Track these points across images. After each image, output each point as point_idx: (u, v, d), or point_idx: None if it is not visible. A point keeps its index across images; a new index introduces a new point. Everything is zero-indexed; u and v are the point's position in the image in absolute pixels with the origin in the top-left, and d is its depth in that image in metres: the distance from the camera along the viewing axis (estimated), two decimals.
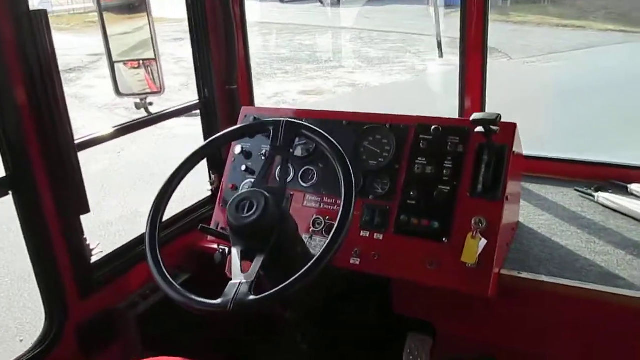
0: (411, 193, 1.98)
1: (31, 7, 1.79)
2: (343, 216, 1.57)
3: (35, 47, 1.77)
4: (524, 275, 1.90)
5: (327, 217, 2.07)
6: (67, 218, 1.97)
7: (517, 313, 2.00)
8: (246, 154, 2.28)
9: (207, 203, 2.63)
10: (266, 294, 1.47)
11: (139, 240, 2.30)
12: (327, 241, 1.53)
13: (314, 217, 2.09)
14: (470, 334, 2.08)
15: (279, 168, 1.81)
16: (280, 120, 1.74)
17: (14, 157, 1.82)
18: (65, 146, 1.89)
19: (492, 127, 1.83)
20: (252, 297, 1.46)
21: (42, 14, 1.80)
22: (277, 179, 1.80)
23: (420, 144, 2.03)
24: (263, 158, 2.24)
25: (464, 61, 2.65)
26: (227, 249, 2.20)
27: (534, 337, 1.98)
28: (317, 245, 2.04)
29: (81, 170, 1.97)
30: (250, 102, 2.75)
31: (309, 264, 1.49)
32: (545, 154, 2.70)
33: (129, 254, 2.25)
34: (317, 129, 1.69)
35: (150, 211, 1.73)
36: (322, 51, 15.77)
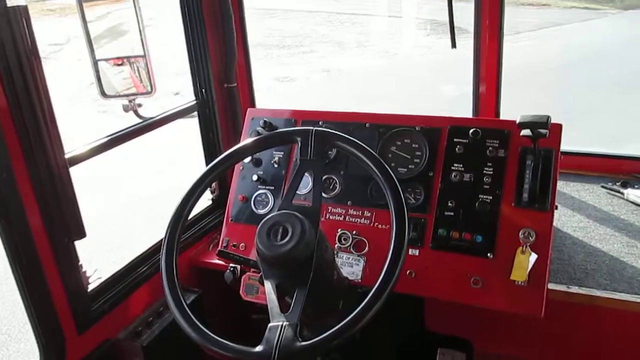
0: (449, 204, 1.80)
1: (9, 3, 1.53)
2: (398, 243, 1.35)
3: (15, 48, 1.51)
4: (574, 289, 1.75)
5: (355, 232, 1.87)
6: (61, 244, 1.72)
7: (568, 330, 1.84)
8: (256, 162, 2.06)
9: (208, 213, 2.40)
10: (320, 338, 1.24)
11: (138, 261, 2.07)
12: (384, 270, 1.32)
13: (340, 232, 1.89)
14: (514, 352, 1.92)
15: (309, 184, 1.59)
16: (310, 130, 1.51)
17: None
18: (54, 162, 1.64)
19: (540, 130, 1.65)
20: (300, 343, 1.24)
21: (22, 10, 1.54)
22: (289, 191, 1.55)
23: (456, 149, 1.84)
24: (276, 166, 2.04)
25: (478, 51, 2.47)
26: (238, 268, 2.00)
27: (590, 355, 1.83)
28: (344, 263, 1.84)
29: (74, 188, 1.72)
30: (251, 102, 2.51)
31: (370, 296, 1.28)
32: (567, 148, 2.56)
33: (128, 277, 2.02)
34: (354, 139, 1.47)
35: (164, 243, 1.47)
36: (292, 36, 15.42)
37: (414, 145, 1.90)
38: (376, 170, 1.42)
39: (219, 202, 2.42)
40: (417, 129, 1.90)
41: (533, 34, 13.50)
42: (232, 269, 2.00)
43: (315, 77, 11.36)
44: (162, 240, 2.15)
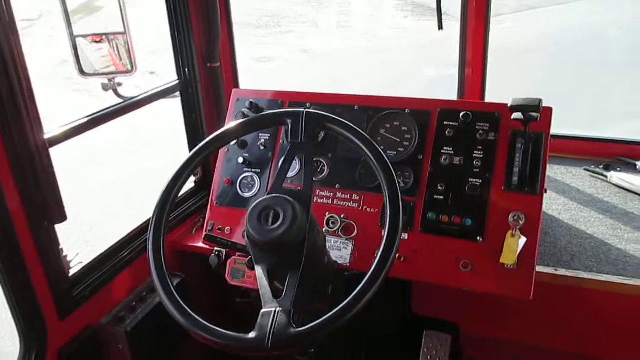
0: (438, 187, 1.78)
1: None
2: (392, 228, 1.33)
3: None
4: (562, 272, 1.76)
5: (343, 215, 1.85)
6: (41, 228, 1.66)
7: (555, 312, 1.86)
8: (242, 144, 2.01)
9: (191, 196, 2.35)
10: (314, 324, 1.22)
11: (120, 246, 2.03)
12: (379, 255, 1.30)
13: (328, 215, 1.86)
14: (501, 335, 1.93)
15: (296, 166, 1.55)
16: (301, 111, 1.47)
17: None
18: (34, 142, 1.58)
19: (532, 114, 1.64)
20: (295, 329, 1.22)
21: None
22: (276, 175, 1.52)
23: (446, 132, 1.82)
24: (262, 148, 2.00)
25: (465, 33, 2.45)
26: (223, 252, 1.97)
27: (578, 337, 1.86)
28: (332, 247, 1.82)
29: (54, 170, 1.66)
30: (235, 82, 2.45)
31: (364, 282, 1.26)
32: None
33: (110, 261, 1.97)
34: (347, 122, 1.44)
35: (151, 228, 1.42)
36: (270, 15, 15.21)
37: (403, 128, 1.88)
38: (370, 154, 1.39)
39: (202, 185, 2.38)
40: (406, 111, 1.88)
41: (509, 17, 13.56)
42: (217, 252, 1.97)
43: (294, 57, 11.24)
44: (143, 224, 2.13)
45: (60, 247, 1.76)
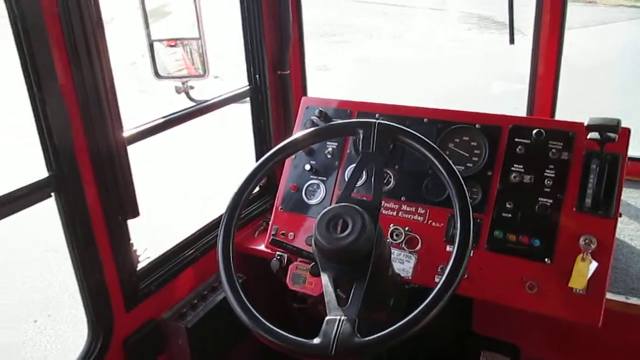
0: (507, 205, 1.75)
1: None
2: (462, 245, 1.31)
3: (81, 19, 1.51)
4: (633, 301, 1.69)
5: (407, 228, 1.84)
6: (115, 222, 1.73)
7: (623, 341, 1.79)
8: (309, 151, 2.04)
9: (255, 200, 2.40)
10: (379, 335, 1.22)
11: (185, 244, 2.09)
12: (447, 270, 1.29)
13: (392, 227, 1.86)
14: None
15: (364, 176, 1.55)
16: (373, 122, 1.48)
17: (57, 154, 1.57)
18: (114, 139, 1.65)
19: (609, 134, 1.59)
20: (359, 339, 1.22)
21: None
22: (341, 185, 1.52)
23: (517, 149, 1.78)
24: (329, 157, 2.02)
25: (537, 48, 2.40)
26: (285, 257, 1.99)
27: None
28: (395, 259, 1.82)
29: (130, 167, 1.73)
30: (304, 90, 2.49)
31: (432, 297, 1.25)
32: None
33: (175, 259, 2.03)
34: (419, 135, 1.44)
35: (221, 230, 1.46)
36: (328, 24, 15.33)
37: (472, 143, 1.86)
38: (441, 168, 1.38)
39: (266, 189, 2.42)
40: (476, 126, 1.86)
41: (576, 32, 13.16)
42: (279, 257, 1.99)
43: (351, 66, 11.28)
44: (208, 225, 2.18)
45: (131, 241, 1.83)
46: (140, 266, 1.89)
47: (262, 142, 2.36)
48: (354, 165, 1.92)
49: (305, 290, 1.90)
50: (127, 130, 1.75)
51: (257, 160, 2.36)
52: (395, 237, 1.85)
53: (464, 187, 1.35)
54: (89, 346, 1.76)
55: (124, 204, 1.72)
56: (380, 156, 1.46)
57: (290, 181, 2.05)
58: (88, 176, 1.64)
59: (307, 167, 2.02)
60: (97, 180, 1.66)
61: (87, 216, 1.66)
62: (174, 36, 2.24)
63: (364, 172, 1.85)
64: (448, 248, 1.78)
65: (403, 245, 1.83)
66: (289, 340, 1.27)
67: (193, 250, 2.08)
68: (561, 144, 1.74)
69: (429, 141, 1.42)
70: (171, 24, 2.30)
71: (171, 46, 2.25)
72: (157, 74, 2.14)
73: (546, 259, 1.67)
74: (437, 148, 1.41)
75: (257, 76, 2.31)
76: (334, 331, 1.23)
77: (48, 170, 1.58)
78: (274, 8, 2.27)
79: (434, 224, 1.83)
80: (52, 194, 1.59)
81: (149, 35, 2.08)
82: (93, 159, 1.64)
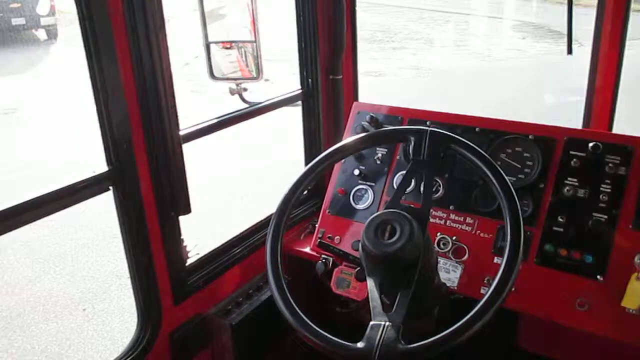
0: (559, 219, 1.71)
1: None
2: (511, 258, 1.30)
3: (145, 21, 1.57)
4: None
5: (455, 238, 1.83)
6: (167, 218, 1.79)
7: None
8: (358, 156, 2.05)
9: (302, 202, 2.42)
10: (423, 344, 1.22)
11: (233, 242, 2.13)
12: (495, 282, 1.27)
13: (439, 236, 1.85)
14: None
15: (412, 183, 1.55)
16: (425, 130, 1.48)
17: (116, 149, 1.64)
18: (170, 138, 1.70)
19: None
20: (403, 346, 1.22)
21: None
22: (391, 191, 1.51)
23: (572, 162, 1.75)
24: (379, 162, 2.02)
25: (596, 59, 2.33)
26: (330, 260, 2.00)
27: None
28: (440, 268, 1.80)
29: (185, 165, 1.78)
30: (355, 95, 2.50)
31: (478, 308, 1.24)
32: None
33: (222, 257, 2.07)
34: (472, 144, 1.43)
35: (270, 228, 1.49)
36: (383, 30, 15.31)
37: (525, 155, 1.83)
38: (493, 179, 1.37)
39: (313, 193, 2.44)
40: (530, 137, 1.83)
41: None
42: (324, 260, 2.01)
43: (404, 73, 11.22)
44: (255, 225, 2.22)
45: (182, 237, 1.88)
46: (189, 262, 1.94)
47: (311, 146, 2.38)
48: (403, 172, 1.93)
49: (349, 295, 1.91)
50: (183, 129, 1.80)
51: (306, 162, 2.41)
52: (442, 246, 1.84)
53: (516, 198, 1.33)
54: (137, 336, 1.82)
55: (176, 200, 1.77)
56: (430, 164, 1.46)
57: (338, 185, 2.07)
58: (144, 172, 1.70)
59: (356, 172, 2.03)
60: (153, 176, 1.72)
61: (141, 210, 1.72)
62: (228, 38, 2.28)
63: (412, 180, 1.85)
64: (496, 260, 1.75)
65: (449, 254, 1.82)
66: (332, 342, 1.29)
67: (240, 249, 2.12)
68: (619, 158, 1.69)
69: (481, 151, 1.41)
70: (225, 27, 2.35)
71: (226, 48, 2.29)
72: (212, 75, 2.19)
73: (598, 276, 1.62)
74: (490, 158, 1.40)
75: (310, 80, 2.34)
76: (378, 337, 1.24)
77: (107, 165, 1.65)
78: (329, 14, 2.29)
79: (482, 234, 1.81)
80: (110, 187, 1.66)
81: (206, 36, 2.12)
82: (149, 155, 1.70)
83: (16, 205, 1.45)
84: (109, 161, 1.65)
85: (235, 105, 2.21)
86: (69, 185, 1.55)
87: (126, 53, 1.58)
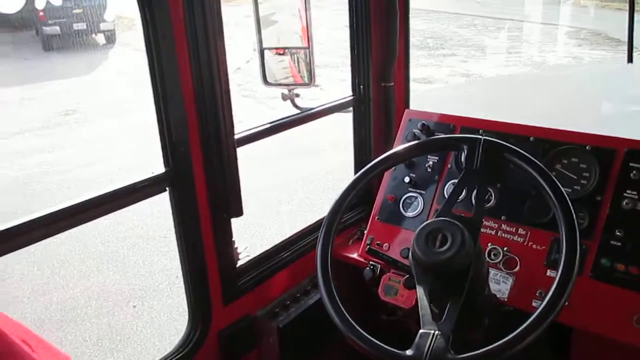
0: (616, 232, 1.66)
1: None
2: (566, 272, 1.27)
3: (205, 27, 1.61)
4: None
5: (506, 248, 1.80)
6: (220, 220, 1.83)
7: None
8: (409, 164, 2.04)
9: (350, 208, 2.42)
10: (472, 355, 1.21)
11: (282, 246, 2.15)
12: (549, 296, 1.25)
13: (490, 246, 1.82)
14: None
15: (463, 192, 1.53)
16: (478, 138, 1.46)
17: (173, 152, 1.69)
18: (225, 141, 1.74)
19: None
20: (453, 356, 1.22)
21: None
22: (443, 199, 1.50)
23: (631, 174, 1.69)
24: (429, 170, 2.01)
25: None
26: (378, 267, 2.00)
27: None
28: (490, 279, 1.77)
29: (238, 168, 1.82)
30: (406, 103, 2.49)
31: (530, 321, 1.22)
32: None
33: (271, 260, 2.10)
34: (528, 155, 1.40)
35: (321, 233, 1.51)
36: (433, 37, 15.18)
37: (581, 165, 1.78)
38: (549, 191, 1.34)
39: (361, 199, 2.44)
40: (587, 148, 1.78)
41: None
42: (372, 267, 2.00)
43: (454, 80, 11.09)
44: (303, 229, 2.24)
45: (233, 239, 1.92)
46: (239, 263, 1.97)
47: (362, 152, 2.39)
48: (454, 180, 1.91)
49: (396, 302, 1.90)
50: (238, 133, 1.84)
51: (355, 169, 2.42)
52: (492, 256, 1.81)
53: (572, 211, 1.30)
54: (187, 334, 1.87)
55: (229, 202, 1.81)
56: (483, 173, 1.45)
57: (388, 192, 2.06)
58: (199, 174, 1.74)
59: (407, 179, 2.02)
60: (207, 178, 1.76)
61: (196, 211, 1.76)
62: (279, 44, 2.31)
63: (464, 189, 1.83)
64: (549, 273, 1.71)
65: (500, 265, 1.79)
66: (381, 349, 1.29)
67: (289, 253, 2.14)
68: None
69: (536, 161, 1.39)
70: (275, 33, 2.38)
71: (279, 54, 2.33)
72: (265, 81, 2.22)
73: None
74: (545, 168, 1.38)
75: (362, 87, 2.34)
76: (428, 345, 1.24)
77: (165, 166, 1.71)
78: (382, 22, 2.30)
79: (534, 246, 1.77)
80: (167, 188, 1.72)
81: (260, 42, 2.16)
82: (205, 158, 1.74)
83: (81, 202, 1.52)
84: (166, 163, 1.71)
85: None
86: (129, 185, 1.62)
87: (186, 57, 1.63)
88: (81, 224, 1.55)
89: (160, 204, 1.87)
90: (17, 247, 1.41)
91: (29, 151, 8.06)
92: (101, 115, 9.65)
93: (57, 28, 14.99)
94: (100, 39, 15.63)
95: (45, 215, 1.46)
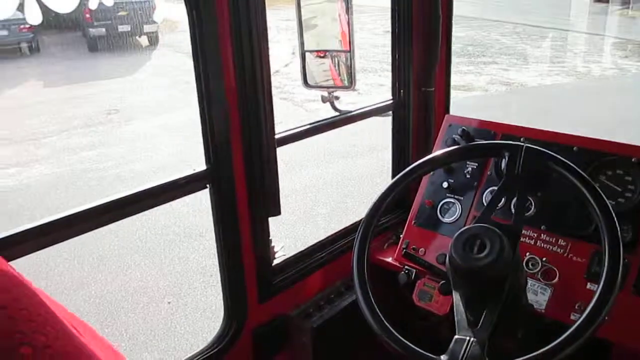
0: None
1: None
2: (608, 286, 1.24)
3: (249, 29, 1.64)
4: None
5: (545, 259, 1.76)
6: (258, 218, 1.85)
7: None
8: (448, 169, 2.03)
9: (386, 212, 2.41)
10: None
11: (317, 246, 2.17)
12: (588, 310, 1.23)
13: (528, 255, 1.79)
14: None
15: (502, 199, 1.51)
16: (520, 145, 1.45)
17: (215, 150, 1.72)
18: (266, 141, 1.77)
19: None
20: None
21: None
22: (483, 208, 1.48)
23: None
24: (468, 177, 1.99)
25: None
26: (413, 271, 1.99)
27: None
28: (528, 289, 1.74)
29: (277, 168, 1.85)
30: (446, 108, 2.48)
31: (568, 334, 1.20)
32: None
33: (307, 260, 2.11)
34: (571, 164, 1.38)
35: (358, 234, 1.51)
36: (474, 44, 15.01)
37: (626, 178, 1.74)
38: (593, 202, 1.31)
39: (398, 203, 2.43)
40: (633, 160, 1.74)
41: None
42: (407, 271, 1.99)
43: (494, 89, 10.95)
44: (339, 231, 2.25)
45: (270, 238, 1.94)
46: (275, 262, 1.99)
47: (400, 156, 2.39)
48: (493, 187, 1.89)
49: (431, 308, 1.89)
50: (278, 134, 1.87)
51: (393, 172, 2.42)
52: (530, 266, 1.78)
53: (616, 223, 1.28)
54: (222, 330, 1.90)
55: (268, 202, 1.83)
56: (524, 181, 1.43)
57: (426, 197, 2.05)
58: (239, 172, 1.77)
59: (445, 184, 2.01)
60: (247, 177, 1.79)
61: (235, 209, 1.79)
62: (318, 48, 2.33)
63: (504, 196, 1.81)
64: (589, 286, 1.68)
65: (539, 275, 1.75)
66: (416, 353, 1.29)
67: (325, 254, 2.15)
68: None
69: (580, 171, 1.37)
70: (315, 37, 2.40)
71: (320, 57, 2.35)
72: (306, 83, 2.24)
73: None
74: (589, 178, 1.35)
75: (402, 91, 2.34)
76: (463, 351, 1.23)
77: (206, 164, 1.74)
78: (424, 27, 2.29)
79: (575, 258, 1.74)
80: (208, 185, 1.75)
81: (302, 44, 2.18)
82: (245, 157, 1.77)
83: (125, 197, 1.56)
84: (207, 160, 1.74)
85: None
86: (172, 181, 1.66)
87: (229, 58, 1.67)
88: (125, 217, 1.59)
89: (198, 204, 1.91)
90: (62, 239, 1.46)
91: (72, 149, 8.33)
92: (142, 114, 9.89)
93: (103, 30, 15.48)
94: (144, 40, 16.02)
95: (90, 209, 1.51)
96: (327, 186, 6.58)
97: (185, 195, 1.72)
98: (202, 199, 1.89)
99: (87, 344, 0.74)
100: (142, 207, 1.60)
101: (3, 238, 1.32)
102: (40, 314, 0.69)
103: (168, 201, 1.67)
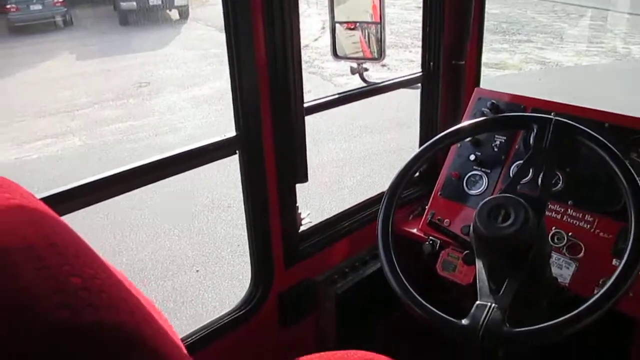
0: None
1: None
2: (631, 258, 1.24)
3: (281, 3, 1.66)
4: None
5: (571, 234, 1.76)
6: (286, 185, 1.89)
7: None
8: (475, 142, 2.02)
9: (412, 184, 2.43)
10: (527, 330, 1.22)
11: (343, 215, 2.20)
12: (609, 282, 1.23)
13: (554, 229, 1.78)
14: None
15: (529, 173, 1.51)
16: (549, 118, 1.44)
17: (245, 116, 1.76)
18: (294, 109, 1.79)
19: None
20: (508, 329, 1.23)
21: None
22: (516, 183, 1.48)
23: None
24: (496, 149, 1.99)
25: None
26: (438, 242, 2.00)
27: None
28: (553, 263, 1.75)
29: (306, 136, 1.87)
30: (476, 82, 2.45)
31: (589, 302, 1.21)
32: None
33: (333, 228, 2.15)
34: (601, 138, 1.37)
35: (383, 202, 1.54)
36: (508, 22, 14.68)
37: None
38: (622, 178, 1.31)
39: (424, 176, 2.45)
40: None
41: None
42: (431, 242, 2.01)
43: (529, 67, 10.73)
44: (364, 201, 2.27)
45: (297, 204, 1.98)
46: (301, 229, 2.03)
47: (428, 128, 2.39)
48: (520, 161, 1.88)
49: (454, 278, 1.91)
50: (306, 102, 1.89)
51: (421, 143, 2.42)
52: (556, 240, 1.77)
53: None
54: (249, 294, 1.95)
55: (296, 168, 1.87)
56: (553, 154, 1.43)
57: (452, 169, 2.06)
58: (268, 139, 1.80)
59: (472, 157, 2.01)
60: (275, 144, 1.82)
61: (263, 175, 1.83)
62: (351, 19, 2.33)
63: (531, 169, 1.80)
64: (614, 262, 1.67)
65: (564, 250, 1.75)
66: (437, 316, 1.32)
67: (349, 223, 2.18)
68: None
69: (611, 145, 1.36)
70: (346, 9, 2.40)
71: (350, 29, 2.35)
72: (335, 54, 2.25)
73: None
74: (619, 154, 1.34)
75: (432, 63, 2.33)
76: (484, 316, 1.25)
77: (236, 130, 1.78)
78: (457, 3, 2.27)
79: (601, 234, 1.73)
80: (237, 151, 1.79)
81: (332, 17, 2.19)
82: (274, 124, 1.80)
83: (156, 161, 1.62)
84: (237, 126, 1.78)
85: None
86: (202, 146, 1.70)
87: (260, 27, 1.69)
88: (156, 181, 1.65)
89: (225, 175, 1.95)
90: (103, 198, 1.53)
91: (104, 120, 8.51)
92: (172, 87, 10.01)
93: (134, 3, 15.62)
94: (174, 14, 16.10)
95: (127, 170, 1.57)
96: (355, 160, 6.59)
97: (215, 160, 1.76)
98: (231, 169, 1.93)
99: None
100: (175, 171, 1.66)
101: (52, 195, 1.39)
102: (88, 254, 0.75)
103: (199, 165, 1.72)
